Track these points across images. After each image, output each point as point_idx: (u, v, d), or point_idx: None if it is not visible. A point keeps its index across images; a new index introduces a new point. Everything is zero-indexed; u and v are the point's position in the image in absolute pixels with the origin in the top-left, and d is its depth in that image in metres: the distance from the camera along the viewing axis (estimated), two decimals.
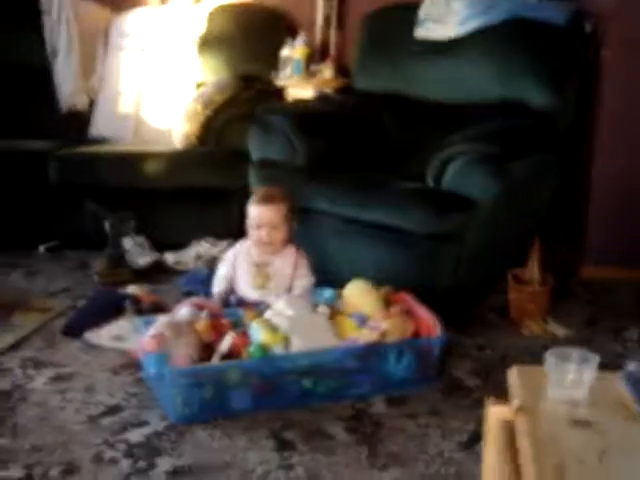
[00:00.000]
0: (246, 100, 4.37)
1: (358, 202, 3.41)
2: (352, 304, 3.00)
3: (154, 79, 4.55)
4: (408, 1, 4.17)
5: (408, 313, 2.97)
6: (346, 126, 3.93)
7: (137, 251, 3.96)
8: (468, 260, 3.29)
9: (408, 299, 3.05)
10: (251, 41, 4.59)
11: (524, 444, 1.37)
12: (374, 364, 2.83)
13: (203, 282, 3.56)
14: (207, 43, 4.57)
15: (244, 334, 2.80)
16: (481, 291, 3.62)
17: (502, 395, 2.79)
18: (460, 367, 3.08)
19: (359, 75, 4.24)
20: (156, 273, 3.93)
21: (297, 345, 2.77)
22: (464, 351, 3.20)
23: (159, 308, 3.33)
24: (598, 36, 3.83)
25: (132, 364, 3.00)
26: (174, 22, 4.60)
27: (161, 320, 2.80)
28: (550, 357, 1.58)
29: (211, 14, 4.60)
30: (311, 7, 4.61)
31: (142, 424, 2.64)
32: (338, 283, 3.10)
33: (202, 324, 2.80)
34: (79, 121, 4.59)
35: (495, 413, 1.54)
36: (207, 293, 3.28)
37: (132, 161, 4.17)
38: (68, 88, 4.60)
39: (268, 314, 2.87)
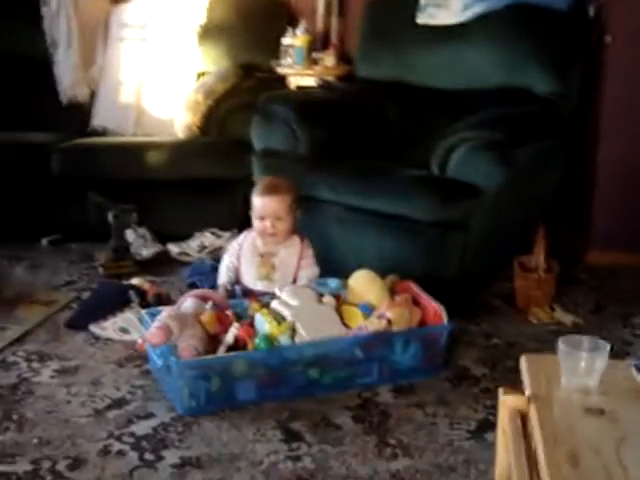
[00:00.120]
0: (247, 89, 4.35)
1: (362, 190, 3.39)
2: (357, 294, 2.99)
3: (155, 69, 4.52)
4: None
5: (414, 302, 2.95)
6: (349, 114, 3.91)
7: (140, 243, 3.95)
8: (473, 248, 3.28)
9: (413, 288, 3.04)
10: (252, 30, 4.56)
11: (538, 433, 1.36)
12: (380, 353, 2.82)
13: (207, 273, 3.54)
14: (207, 32, 4.54)
15: (249, 325, 2.79)
16: (487, 279, 3.61)
17: (510, 384, 2.79)
18: (467, 356, 3.07)
19: (361, 63, 4.22)
20: (159, 265, 3.91)
21: (303, 335, 2.76)
22: (470, 339, 3.19)
23: (163, 300, 3.31)
24: (601, 21, 3.81)
25: (137, 356, 2.99)
26: (174, 12, 4.57)
27: (166, 312, 2.78)
28: (562, 345, 1.57)
29: (211, 3, 4.57)
30: None
31: (148, 416, 2.63)
32: (343, 272, 3.09)
33: (207, 316, 2.79)
34: (80, 112, 4.57)
35: (507, 402, 1.52)
36: (212, 285, 3.27)
37: (134, 152, 4.15)
38: (69, 79, 4.58)
39: (273, 305, 2.86)
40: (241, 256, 3.18)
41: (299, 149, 3.67)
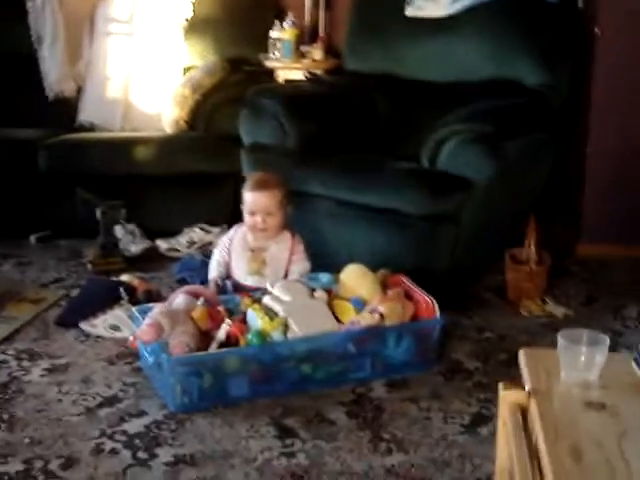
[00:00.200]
0: (235, 83, 4.33)
1: (352, 184, 3.37)
2: (349, 288, 2.97)
3: (141, 64, 4.49)
4: None
5: (406, 296, 2.94)
6: (338, 108, 3.89)
7: (129, 239, 3.92)
8: (464, 240, 3.27)
9: (405, 282, 3.03)
10: (239, 23, 4.54)
11: (539, 428, 1.35)
12: (373, 348, 2.81)
13: (197, 269, 3.53)
14: (194, 26, 4.51)
15: (241, 321, 2.77)
16: (478, 271, 3.61)
17: (503, 377, 2.78)
18: (459, 349, 3.06)
19: (349, 56, 4.19)
20: (149, 261, 3.88)
21: (295, 331, 2.74)
22: (463, 333, 3.18)
23: (153, 296, 3.29)
24: (591, 12, 3.80)
25: (128, 353, 2.97)
26: (160, 6, 4.54)
27: (157, 309, 2.76)
28: (561, 339, 1.55)
29: None
30: None
31: (141, 414, 2.61)
32: (334, 267, 3.07)
33: (199, 312, 2.77)
34: (67, 108, 4.53)
35: (507, 397, 1.51)
36: (202, 281, 3.25)
37: (122, 147, 4.13)
38: (55, 75, 4.53)
39: (265, 300, 2.84)
40: (232, 251, 3.16)
41: (288, 143, 3.65)
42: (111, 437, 2.48)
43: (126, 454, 2.40)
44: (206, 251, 3.74)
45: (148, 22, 4.52)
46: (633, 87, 3.79)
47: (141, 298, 3.27)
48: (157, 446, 2.44)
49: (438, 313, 2.87)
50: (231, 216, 3.73)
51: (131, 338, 2.86)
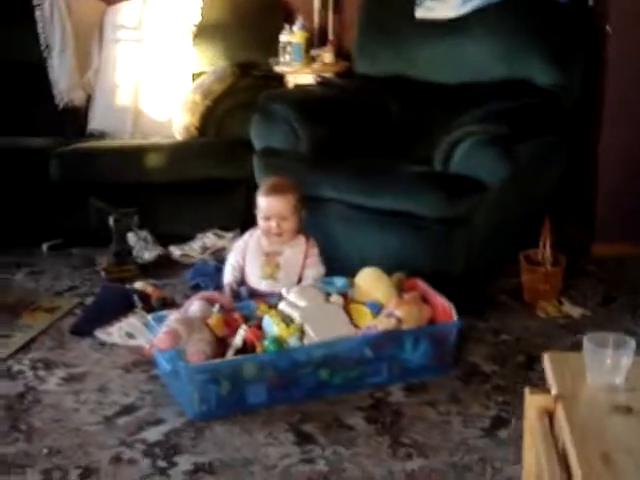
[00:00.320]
0: (245, 88, 4.33)
1: (365, 188, 3.36)
2: (365, 292, 2.96)
3: (151, 70, 4.49)
4: None
5: (422, 299, 2.93)
6: (349, 111, 3.88)
7: (142, 246, 3.91)
8: (479, 243, 3.26)
9: (421, 285, 3.01)
10: (248, 28, 4.52)
11: (567, 433, 1.33)
12: (390, 352, 2.80)
13: (211, 274, 3.52)
14: (203, 32, 4.50)
15: (258, 327, 2.76)
16: (493, 274, 3.58)
17: (521, 380, 2.78)
18: (476, 352, 3.04)
19: (360, 58, 4.18)
20: (162, 267, 3.87)
21: (312, 336, 2.73)
22: (479, 336, 3.17)
23: (168, 303, 3.29)
24: (601, 10, 3.78)
25: (144, 361, 2.96)
26: (169, 12, 4.53)
27: (173, 316, 2.76)
28: (587, 343, 1.54)
29: (206, 2, 4.52)
30: None
31: (159, 422, 2.61)
32: (348, 271, 3.06)
33: (215, 319, 2.76)
34: (77, 116, 4.53)
35: (533, 402, 1.50)
36: (216, 286, 3.24)
37: (133, 155, 4.12)
38: (64, 83, 4.53)
39: (281, 306, 2.83)
40: (246, 255, 3.15)
41: (300, 148, 3.64)
42: (130, 446, 2.48)
43: (145, 463, 2.39)
44: (219, 257, 3.74)
45: (157, 28, 4.52)
46: None
47: (155, 305, 3.26)
48: (176, 454, 2.43)
49: (455, 316, 2.86)
50: (243, 221, 3.72)
51: (147, 346, 2.86)
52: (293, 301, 2.83)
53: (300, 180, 3.24)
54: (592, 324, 3.21)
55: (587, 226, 3.97)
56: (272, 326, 2.73)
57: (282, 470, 2.36)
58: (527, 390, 1.55)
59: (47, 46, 4.56)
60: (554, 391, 1.49)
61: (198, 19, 4.51)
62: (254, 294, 3.07)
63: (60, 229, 4.15)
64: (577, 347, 2.95)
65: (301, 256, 3.10)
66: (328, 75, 4.32)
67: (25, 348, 3.11)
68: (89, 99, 4.57)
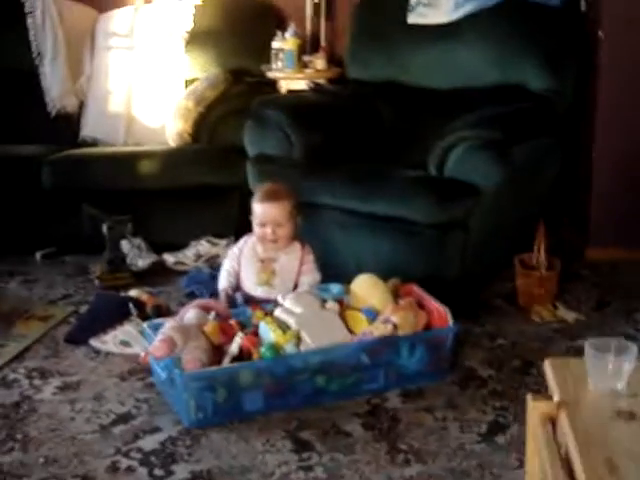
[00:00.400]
0: (238, 95, 4.32)
1: (359, 194, 3.36)
2: (360, 298, 2.95)
3: (143, 77, 4.48)
4: None
5: (418, 305, 2.92)
6: (342, 117, 3.89)
7: (135, 253, 3.90)
8: (473, 247, 3.26)
9: (417, 290, 3.01)
10: (240, 34, 4.52)
11: (572, 440, 1.33)
12: (386, 358, 2.79)
13: (205, 282, 3.52)
14: (195, 38, 4.49)
15: (254, 334, 2.75)
16: (488, 278, 3.58)
17: (518, 386, 2.79)
18: (473, 357, 3.04)
19: (352, 64, 4.19)
20: (156, 275, 3.86)
21: (308, 343, 2.72)
22: (475, 340, 3.17)
23: (163, 311, 3.27)
24: (593, 15, 3.79)
25: (140, 369, 2.95)
26: (161, 19, 4.53)
27: (169, 324, 2.75)
28: (588, 348, 1.54)
29: (198, 9, 4.52)
30: None
31: (155, 430, 2.59)
32: (343, 277, 3.06)
33: (210, 326, 2.75)
34: (69, 123, 4.52)
35: (536, 408, 1.50)
36: (211, 293, 3.23)
37: (126, 162, 4.11)
38: (57, 91, 4.52)
39: (277, 313, 2.82)
40: (241, 261, 3.14)
41: (293, 154, 3.64)
42: (126, 455, 2.46)
43: (142, 471, 2.38)
44: (213, 264, 3.73)
45: (149, 35, 4.51)
46: (638, 90, 3.77)
47: (150, 313, 3.25)
48: (173, 463, 2.42)
49: (451, 321, 2.85)
50: (237, 228, 3.72)
51: (142, 354, 2.85)
52: (289, 307, 2.83)
53: (294, 186, 3.23)
54: (587, 328, 3.22)
55: (581, 230, 3.97)
56: (268, 333, 2.72)
57: (280, 477, 2.35)
58: (529, 397, 1.54)
59: (39, 53, 4.55)
60: (556, 397, 1.49)
61: (190, 26, 4.51)
62: (249, 300, 3.06)
63: (53, 237, 4.13)
64: (573, 352, 3.01)
65: (296, 263, 3.10)
66: (321, 81, 4.32)
67: (19, 357, 3.09)
68: (81, 106, 4.57)
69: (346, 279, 3.03)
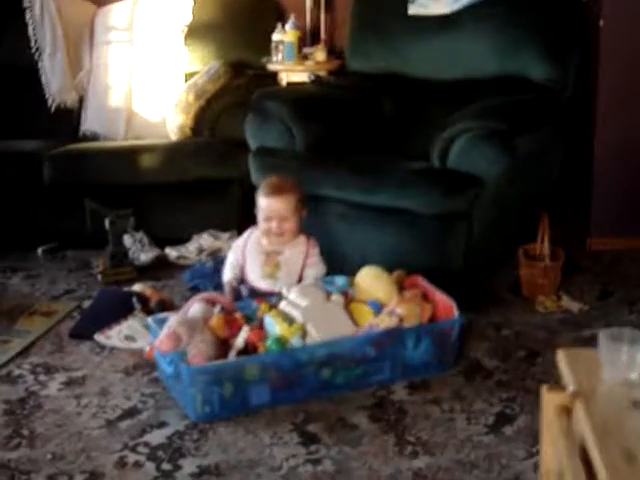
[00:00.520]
0: (239, 88, 4.32)
1: (362, 186, 3.34)
2: (365, 290, 2.95)
3: (143, 71, 4.47)
4: None
5: (423, 297, 2.92)
6: (343, 109, 3.88)
7: (138, 248, 3.89)
8: (477, 238, 3.25)
9: (422, 282, 3.01)
10: (240, 27, 4.51)
11: (589, 431, 1.33)
12: (392, 350, 2.79)
13: (208, 275, 3.51)
14: (195, 31, 4.48)
15: (259, 328, 2.75)
16: (492, 269, 3.58)
17: (524, 376, 2.79)
18: (478, 348, 3.04)
19: (353, 56, 4.17)
20: (158, 269, 3.86)
21: (314, 336, 2.72)
22: (480, 331, 3.16)
23: (167, 306, 3.26)
24: (595, 4, 3.78)
25: (145, 364, 2.95)
26: (160, 12, 4.51)
27: (174, 318, 2.74)
28: (602, 338, 1.53)
29: (197, 2, 4.51)
30: None
31: (162, 425, 2.59)
32: (348, 269, 3.06)
33: (216, 320, 2.74)
34: (70, 118, 4.52)
35: (551, 399, 1.49)
36: (215, 287, 3.23)
37: (127, 156, 4.10)
38: (56, 86, 4.51)
39: (282, 306, 2.82)
40: (246, 253, 3.13)
41: (295, 146, 3.63)
42: (134, 449, 2.46)
43: (150, 466, 2.37)
44: (216, 257, 3.72)
45: (148, 29, 4.50)
46: (639, 79, 3.77)
47: (154, 308, 3.24)
48: (181, 457, 2.41)
49: (457, 313, 2.85)
50: (239, 221, 3.72)
51: (147, 348, 2.84)
52: (294, 300, 2.82)
53: (297, 179, 3.23)
54: (591, 318, 3.23)
55: (584, 221, 3.97)
56: (274, 326, 2.72)
57: (288, 471, 2.34)
58: (544, 388, 1.54)
59: (38, 49, 4.55)
60: (571, 388, 1.49)
61: (189, 19, 4.49)
62: (254, 293, 3.05)
63: (55, 232, 4.13)
64: (578, 342, 3.01)
65: (301, 256, 3.09)
66: (321, 73, 4.31)
67: (24, 353, 3.08)
68: (81, 101, 4.56)
69: (350, 271, 3.02)
